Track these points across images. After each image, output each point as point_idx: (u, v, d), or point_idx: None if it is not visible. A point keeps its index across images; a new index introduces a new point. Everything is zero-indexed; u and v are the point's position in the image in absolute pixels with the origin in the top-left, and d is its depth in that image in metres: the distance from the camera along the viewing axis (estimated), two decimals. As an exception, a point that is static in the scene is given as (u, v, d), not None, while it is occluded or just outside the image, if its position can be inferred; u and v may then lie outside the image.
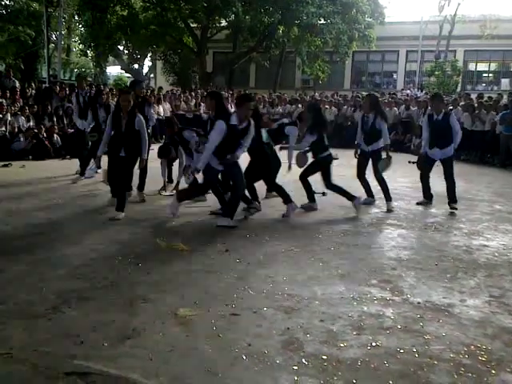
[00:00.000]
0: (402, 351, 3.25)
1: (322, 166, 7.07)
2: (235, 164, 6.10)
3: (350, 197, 7.01)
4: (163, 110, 16.12)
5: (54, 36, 27.56)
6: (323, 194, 8.07)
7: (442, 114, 7.39)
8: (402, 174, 9.93)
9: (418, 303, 4.01)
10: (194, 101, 17.34)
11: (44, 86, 16.47)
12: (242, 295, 4.08)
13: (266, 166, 6.81)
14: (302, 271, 4.66)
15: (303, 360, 3.12)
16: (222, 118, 5.91)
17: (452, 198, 7.30)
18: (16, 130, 11.93)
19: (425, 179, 7.77)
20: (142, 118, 6.50)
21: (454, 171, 7.35)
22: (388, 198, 7.37)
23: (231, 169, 6.08)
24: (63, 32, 27.85)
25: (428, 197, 7.81)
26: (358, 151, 7.70)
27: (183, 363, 3.06)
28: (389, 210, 7.23)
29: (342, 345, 3.32)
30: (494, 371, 3.03)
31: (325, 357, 3.16)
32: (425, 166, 7.67)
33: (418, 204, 7.69)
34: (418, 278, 4.57)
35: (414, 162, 11.52)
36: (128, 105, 6.34)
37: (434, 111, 7.55)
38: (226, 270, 4.67)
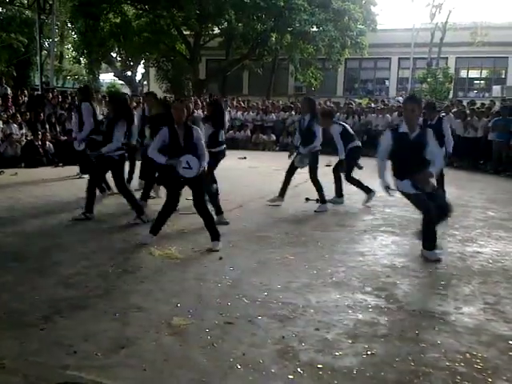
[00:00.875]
0: (397, 359, 3.23)
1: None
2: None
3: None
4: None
5: (46, 43, 27.47)
6: (317, 200, 8.08)
7: (436, 119, 7.88)
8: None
9: (413, 311, 4.00)
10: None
11: (36, 93, 16.41)
12: (236, 304, 4.06)
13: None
14: (296, 279, 4.64)
15: (298, 369, 3.10)
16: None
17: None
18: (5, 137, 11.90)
19: None
20: (197, 128, 5.74)
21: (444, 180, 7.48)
22: (322, 200, 7.59)
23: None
24: (56, 39, 27.77)
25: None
26: (294, 153, 7.82)
27: (177, 373, 3.02)
28: (316, 212, 7.44)
29: (337, 353, 3.30)
30: (490, 379, 3.02)
31: (320, 365, 3.14)
32: None
33: None
34: (412, 286, 4.56)
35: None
36: (182, 115, 5.48)
37: (428, 117, 7.94)
38: (219, 278, 4.64)
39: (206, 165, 5.60)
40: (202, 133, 5.76)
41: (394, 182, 5.31)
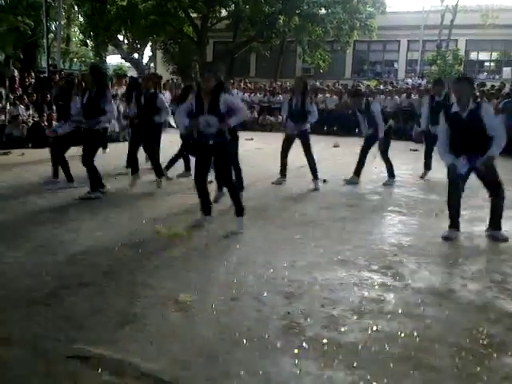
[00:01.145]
0: (402, 335, 3.23)
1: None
2: None
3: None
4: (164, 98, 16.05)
5: (53, 26, 27.35)
6: (324, 181, 8.07)
7: (443, 96, 8.24)
8: (403, 162, 9.91)
9: (419, 288, 3.99)
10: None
11: (43, 75, 16.42)
12: (242, 281, 4.06)
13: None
14: (302, 257, 4.64)
15: (304, 344, 3.10)
16: None
17: None
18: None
19: (427, 154, 8.70)
20: (227, 96, 5.47)
21: None
22: (314, 176, 7.78)
23: None
24: (63, 22, 27.65)
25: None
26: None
27: (183, 347, 3.04)
28: (315, 189, 7.63)
29: (342, 329, 3.30)
30: (495, 355, 3.02)
31: (325, 341, 3.14)
32: (431, 144, 8.36)
33: None
34: (419, 264, 4.55)
35: (415, 150, 11.55)
36: (209, 84, 5.25)
37: (435, 93, 8.43)
38: (226, 255, 4.65)
39: (236, 121, 5.39)
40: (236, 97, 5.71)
41: (446, 159, 5.28)
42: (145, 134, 7.49)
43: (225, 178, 5.54)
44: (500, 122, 5.32)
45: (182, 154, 8.42)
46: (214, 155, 5.41)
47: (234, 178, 6.30)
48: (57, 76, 15.46)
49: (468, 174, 5.26)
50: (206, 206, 5.61)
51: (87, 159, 6.61)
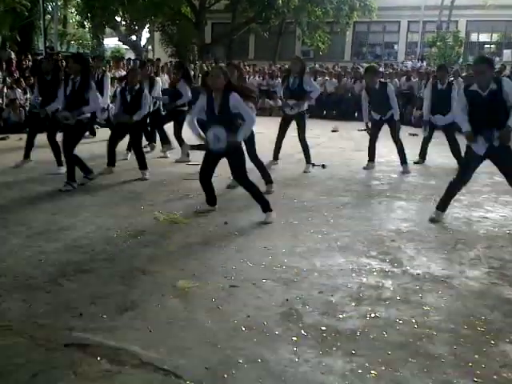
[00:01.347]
0: (400, 322, 3.25)
1: None
2: None
3: None
4: (162, 81, 15.91)
5: (49, 7, 27.07)
6: (323, 166, 8.05)
7: (446, 84, 8.02)
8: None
9: (418, 274, 4.00)
10: (193, 72, 17.12)
11: (40, 57, 16.25)
12: (241, 267, 4.07)
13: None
14: (301, 243, 4.65)
15: (302, 331, 3.12)
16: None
17: (459, 157, 7.55)
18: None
19: (426, 140, 8.52)
20: (236, 101, 5.06)
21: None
22: (307, 160, 7.85)
23: None
24: (59, 3, 27.41)
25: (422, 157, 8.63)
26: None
27: (182, 335, 3.06)
28: (305, 172, 7.70)
29: (340, 316, 3.32)
30: (493, 341, 3.04)
31: (324, 328, 3.16)
32: (430, 133, 8.34)
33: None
34: (417, 250, 4.56)
35: (414, 135, 11.51)
36: (218, 81, 5.03)
37: (438, 81, 8.12)
38: (224, 242, 4.66)
39: (244, 134, 5.20)
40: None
41: (467, 127, 5.12)
42: (129, 131, 7.31)
43: (240, 179, 5.38)
44: None
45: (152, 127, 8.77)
46: (226, 157, 5.28)
47: (260, 173, 6.38)
48: (54, 58, 15.30)
49: (481, 161, 5.21)
50: (210, 199, 5.60)
51: (67, 150, 6.44)
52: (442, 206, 5.45)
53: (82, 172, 6.71)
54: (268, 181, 6.44)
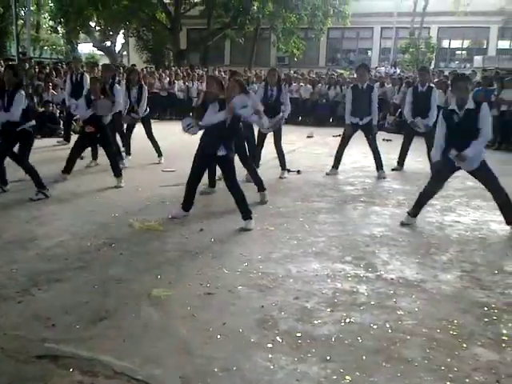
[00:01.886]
0: (375, 327, 3.28)
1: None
2: None
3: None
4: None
5: (22, 12, 26.74)
6: (298, 172, 8.09)
7: (426, 87, 8.08)
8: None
9: (392, 279, 4.04)
10: (168, 78, 17.07)
11: (12, 63, 16.02)
12: (216, 274, 4.06)
13: None
14: (276, 249, 4.66)
15: (278, 338, 3.12)
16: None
17: None
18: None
19: (405, 146, 8.57)
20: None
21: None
22: (283, 166, 7.82)
23: None
24: (32, 8, 27.05)
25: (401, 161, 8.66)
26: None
27: (157, 343, 3.03)
28: (280, 177, 7.69)
29: (316, 322, 3.33)
30: (465, 345, 3.08)
31: (299, 334, 3.17)
32: (409, 135, 8.46)
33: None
34: (391, 255, 4.61)
35: (388, 140, 11.65)
36: (210, 90, 5.32)
37: (419, 83, 8.26)
38: (200, 249, 4.64)
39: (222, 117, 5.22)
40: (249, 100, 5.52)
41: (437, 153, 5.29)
42: (97, 137, 7.21)
43: (230, 183, 5.42)
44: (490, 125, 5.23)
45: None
46: (217, 161, 5.47)
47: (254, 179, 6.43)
48: (26, 64, 15.11)
49: (453, 171, 5.33)
50: (188, 203, 5.59)
51: (21, 160, 6.39)
52: (416, 211, 5.53)
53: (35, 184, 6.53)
54: (260, 188, 6.41)
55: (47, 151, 9.66)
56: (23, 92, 6.24)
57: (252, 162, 6.63)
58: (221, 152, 5.28)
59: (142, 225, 5.27)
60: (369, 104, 7.84)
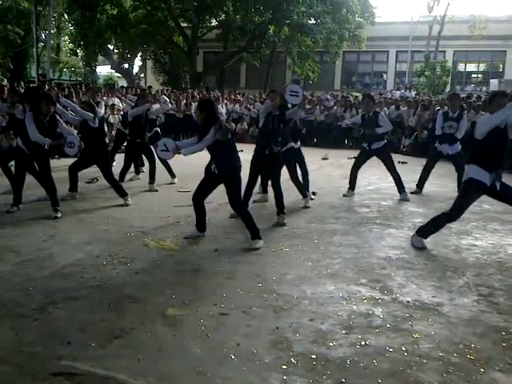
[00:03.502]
0: (390, 350, 3.24)
1: None
2: None
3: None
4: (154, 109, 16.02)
5: (43, 35, 27.34)
6: (313, 193, 8.09)
7: (457, 113, 7.99)
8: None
9: (407, 302, 4.01)
10: (185, 101, 17.27)
11: (32, 85, 16.35)
12: (231, 295, 4.06)
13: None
14: (291, 271, 4.65)
15: (292, 359, 3.11)
16: None
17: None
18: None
19: (428, 169, 8.46)
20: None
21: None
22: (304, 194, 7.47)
23: None
24: (52, 31, 27.67)
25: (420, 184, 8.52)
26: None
27: (171, 363, 3.03)
28: (306, 207, 7.30)
29: (331, 344, 3.31)
30: (482, 369, 3.04)
31: (314, 356, 3.15)
32: (434, 158, 8.40)
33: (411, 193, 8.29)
34: (407, 277, 4.57)
35: (404, 162, 11.63)
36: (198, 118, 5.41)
37: (450, 109, 8.15)
38: (215, 269, 4.65)
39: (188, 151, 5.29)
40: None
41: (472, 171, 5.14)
42: (96, 159, 7.35)
43: (235, 204, 5.45)
44: None
45: (130, 160, 8.80)
46: (224, 183, 5.41)
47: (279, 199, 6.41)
48: (46, 86, 15.40)
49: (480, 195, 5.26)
50: (200, 223, 5.62)
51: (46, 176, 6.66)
52: (429, 234, 5.51)
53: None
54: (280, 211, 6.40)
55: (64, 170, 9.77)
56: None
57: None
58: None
59: (157, 244, 5.31)
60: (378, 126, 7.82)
